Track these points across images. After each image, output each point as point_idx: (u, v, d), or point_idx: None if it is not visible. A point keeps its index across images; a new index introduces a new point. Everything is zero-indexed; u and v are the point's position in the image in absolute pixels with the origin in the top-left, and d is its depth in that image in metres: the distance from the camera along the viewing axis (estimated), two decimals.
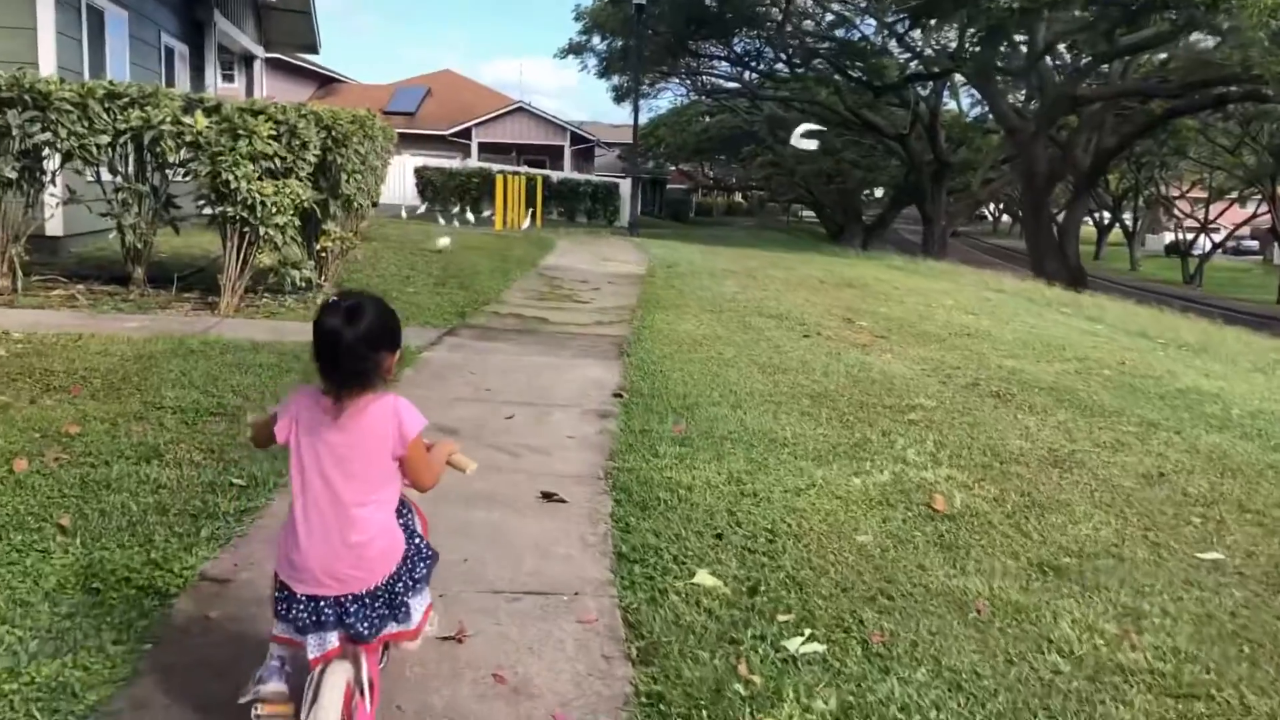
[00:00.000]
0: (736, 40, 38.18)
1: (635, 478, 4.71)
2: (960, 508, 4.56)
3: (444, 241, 14.34)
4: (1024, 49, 25.57)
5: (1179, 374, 8.04)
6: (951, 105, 43.36)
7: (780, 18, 34.87)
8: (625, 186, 33.30)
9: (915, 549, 4.06)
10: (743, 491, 4.60)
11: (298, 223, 8.83)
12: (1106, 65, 28.83)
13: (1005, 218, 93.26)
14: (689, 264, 15.04)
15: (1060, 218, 38.87)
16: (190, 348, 6.68)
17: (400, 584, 2.47)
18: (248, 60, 21.42)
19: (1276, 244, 50.05)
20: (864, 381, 7.03)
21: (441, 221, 21.63)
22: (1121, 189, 57.35)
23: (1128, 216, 62.91)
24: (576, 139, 46.31)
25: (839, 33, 36.88)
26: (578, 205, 31.97)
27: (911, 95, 38.45)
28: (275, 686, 2.50)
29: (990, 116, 45.46)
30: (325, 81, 45.15)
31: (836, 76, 35.64)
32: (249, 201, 8.25)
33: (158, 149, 8.37)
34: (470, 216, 22.92)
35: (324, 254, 9.62)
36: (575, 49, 39.47)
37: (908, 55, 37.02)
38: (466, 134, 44.05)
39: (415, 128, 41.98)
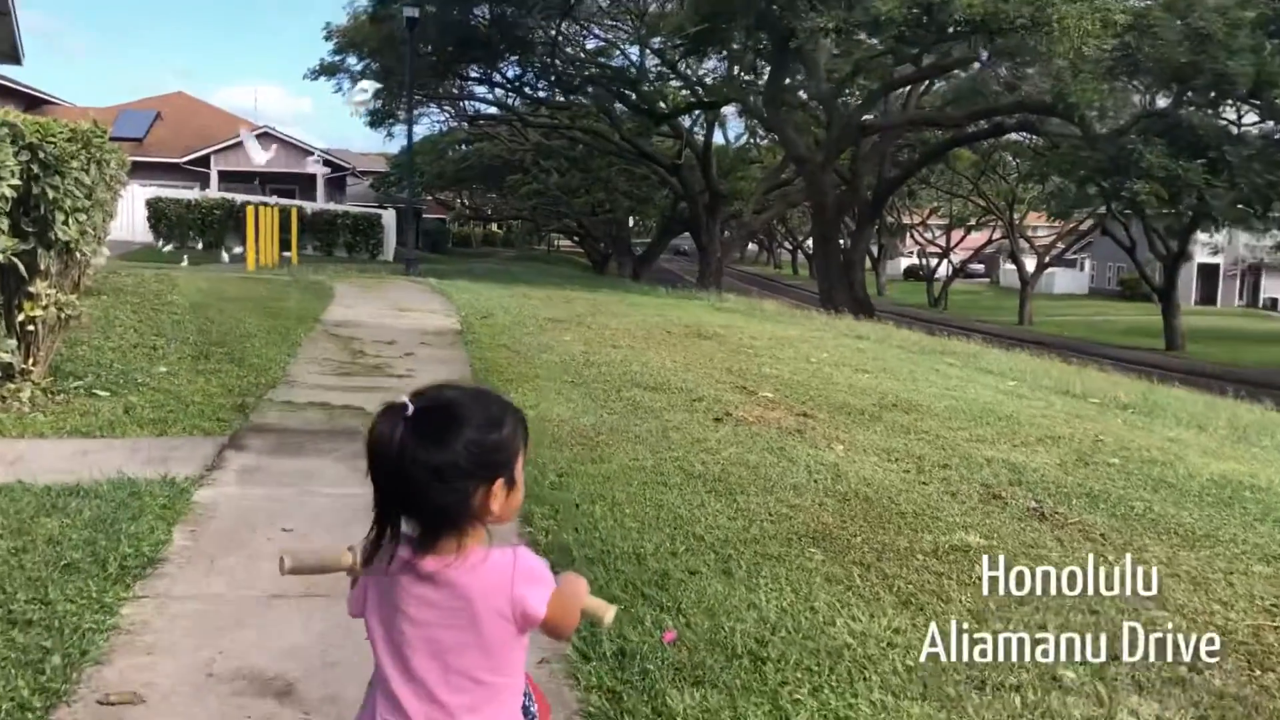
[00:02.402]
0: (505, 65, 36.03)
1: None
2: None
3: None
4: (822, 77, 24.82)
5: (1184, 456, 6.55)
6: (717, 136, 43.14)
7: (550, 43, 33.07)
8: (388, 218, 30.78)
9: None
10: None
11: None
12: (882, 99, 28.87)
13: (752, 246, 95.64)
14: (504, 311, 12.73)
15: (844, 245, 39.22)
16: None
17: None
18: None
19: (1014, 266, 53.23)
20: (854, 501, 5.05)
21: (186, 261, 18.36)
22: None
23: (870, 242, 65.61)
24: (329, 166, 42.69)
25: (605, 60, 35.60)
26: (336, 239, 29.30)
27: (683, 125, 37.73)
28: None
29: (753, 148, 45.95)
30: (35, 103, 39.15)
31: (617, 104, 34.34)
32: None
33: None
34: (225, 255, 19.72)
35: (31, 326, 6.73)
36: (328, 69, 35.99)
37: (679, 84, 36.21)
38: (205, 162, 39.52)
39: (145, 154, 37.21)
